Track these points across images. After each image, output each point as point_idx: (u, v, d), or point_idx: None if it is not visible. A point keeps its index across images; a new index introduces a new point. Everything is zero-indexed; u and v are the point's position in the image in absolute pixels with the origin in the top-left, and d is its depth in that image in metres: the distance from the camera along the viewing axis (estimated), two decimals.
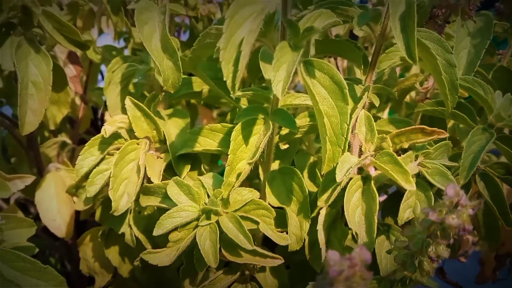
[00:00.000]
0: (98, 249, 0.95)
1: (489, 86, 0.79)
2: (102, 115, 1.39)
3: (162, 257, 0.71)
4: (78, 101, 1.24)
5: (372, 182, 0.71)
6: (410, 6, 0.65)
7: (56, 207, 1.03)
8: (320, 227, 0.73)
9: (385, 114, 1.01)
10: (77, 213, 1.03)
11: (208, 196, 0.72)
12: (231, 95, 0.64)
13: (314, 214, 0.76)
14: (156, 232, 0.69)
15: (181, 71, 0.75)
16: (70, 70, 1.09)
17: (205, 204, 0.71)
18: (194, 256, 0.73)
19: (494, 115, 0.79)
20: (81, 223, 1.07)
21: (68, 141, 1.23)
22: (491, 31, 0.86)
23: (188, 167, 0.82)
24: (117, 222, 0.85)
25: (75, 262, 1.14)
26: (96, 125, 1.46)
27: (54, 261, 1.32)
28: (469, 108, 0.82)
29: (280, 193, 0.77)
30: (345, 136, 0.63)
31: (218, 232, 0.69)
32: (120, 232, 0.86)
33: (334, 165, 0.66)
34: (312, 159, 0.87)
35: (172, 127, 0.86)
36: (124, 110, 0.85)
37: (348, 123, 0.63)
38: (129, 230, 0.85)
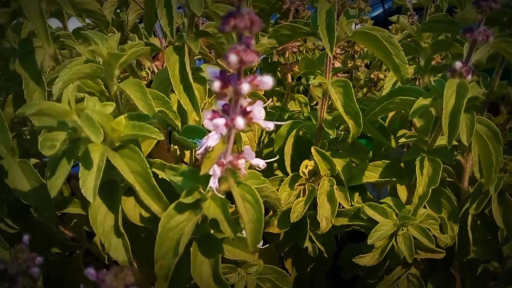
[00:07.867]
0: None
1: None
2: None
3: (369, 259, 1.01)
4: None
5: None
6: None
7: None
8: (468, 228, 1.05)
9: None
10: None
11: (396, 214, 1.02)
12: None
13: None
14: (370, 241, 0.98)
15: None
16: None
17: (397, 219, 1.01)
18: (388, 257, 1.03)
19: None
20: None
21: None
22: None
23: (357, 193, 1.13)
24: (301, 238, 1.14)
25: None
26: None
27: None
28: None
29: (433, 208, 1.08)
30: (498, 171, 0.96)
31: (411, 238, 0.99)
32: (304, 247, 1.14)
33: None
34: None
35: (337, 164, 1.15)
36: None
37: (501, 157, 0.95)
38: (311, 244, 1.15)
